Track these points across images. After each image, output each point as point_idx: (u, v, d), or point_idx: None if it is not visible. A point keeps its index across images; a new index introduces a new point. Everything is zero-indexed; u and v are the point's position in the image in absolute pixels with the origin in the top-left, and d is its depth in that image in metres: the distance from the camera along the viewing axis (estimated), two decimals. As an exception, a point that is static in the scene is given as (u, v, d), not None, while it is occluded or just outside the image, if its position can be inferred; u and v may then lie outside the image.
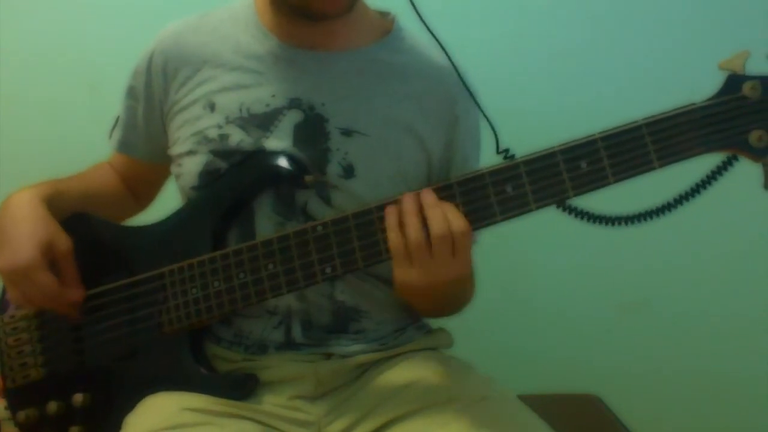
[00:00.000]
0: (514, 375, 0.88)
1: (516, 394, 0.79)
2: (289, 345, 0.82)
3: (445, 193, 0.70)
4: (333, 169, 0.80)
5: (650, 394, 1.41)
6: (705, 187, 0.67)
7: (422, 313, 0.89)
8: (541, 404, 0.79)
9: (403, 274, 0.71)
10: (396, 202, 0.71)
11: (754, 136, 0.63)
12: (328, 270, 0.73)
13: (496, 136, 0.78)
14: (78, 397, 0.82)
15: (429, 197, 0.70)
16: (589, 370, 1.38)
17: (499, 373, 0.82)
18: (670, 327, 1.42)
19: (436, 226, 0.68)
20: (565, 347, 1.40)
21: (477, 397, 0.76)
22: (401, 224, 0.70)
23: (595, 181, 0.66)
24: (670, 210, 0.68)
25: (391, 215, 0.71)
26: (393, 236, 0.70)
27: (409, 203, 0.70)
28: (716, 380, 1.41)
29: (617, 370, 1.40)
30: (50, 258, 0.78)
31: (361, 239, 0.72)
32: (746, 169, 0.67)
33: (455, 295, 0.83)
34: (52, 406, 0.83)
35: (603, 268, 1.36)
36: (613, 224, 0.70)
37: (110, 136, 0.95)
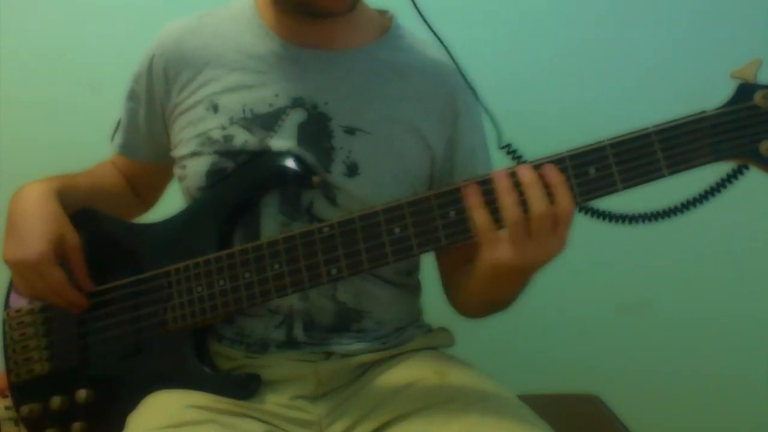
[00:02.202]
0: (514, 375, 0.88)
1: (516, 394, 0.79)
2: (290, 344, 0.82)
3: (452, 197, 0.70)
4: (337, 168, 0.80)
5: (650, 394, 1.41)
6: (714, 195, 0.66)
7: (492, 301, 0.82)
8: (541, 404, 0.79)
9: (494, 252, 0.66)
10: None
11: (764, 146, 0.62)
12: (334, 271, 0.73)
13: (498, 131, 0.78)
14: (81, 393, 0.83)
15: (527, 174, 0.65)
16: (589, 370, 1.38)
17: (499, 373, 0.82)
18: (670, 327, 1.42)
19: (537, 204, 0.64)
20: (565, 347, 1.40)
21: (477, 397, 0.76)
22: (494, 201, 0.66)
23: (603, 187, 0.65)
24: (675, 214, 0.68)
25: (473, 195, 0.66)
26: (479, 214, 0.65)
27: (503, 180, 0.65)
28: (716, 380, 1.42)
29: (617, 370, 1.40)
30: (60, 253, 0.79)
31: (366, 241, 0.71)
32: (748, 170, 0.67)
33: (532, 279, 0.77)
34: (56, 401, 0.84)
35: (603, 268, 1.37)
36: (617, 222, 0.70)
37: (112, 138, 0.95)
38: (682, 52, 1.32)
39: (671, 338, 1.41)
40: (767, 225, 1.34)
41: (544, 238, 0.65)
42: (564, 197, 0.64)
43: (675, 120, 0.64)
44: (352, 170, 0.80)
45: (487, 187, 0.67)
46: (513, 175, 0.66)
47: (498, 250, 0.66)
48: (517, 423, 0.73)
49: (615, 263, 1.35)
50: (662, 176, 0.64)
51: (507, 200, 0.65)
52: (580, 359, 1.39)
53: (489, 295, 0.78)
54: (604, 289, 1.40)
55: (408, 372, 0.82)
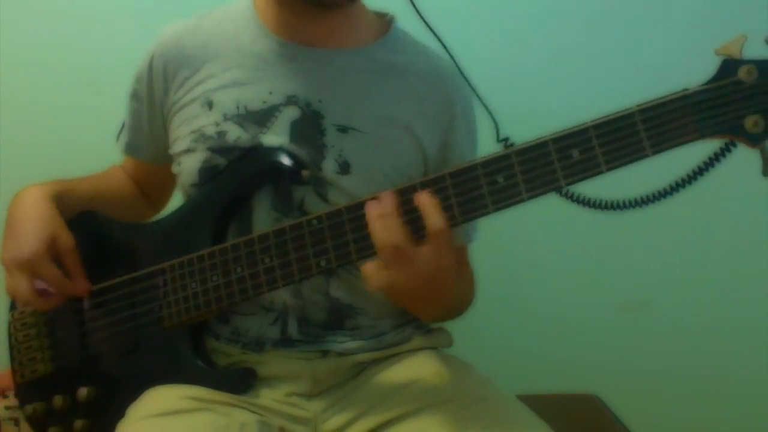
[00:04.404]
0: (514, 375, 0.87)
1: (516, 394, 0.78)
2: (285, 342, 0.82)
3: (437, 185, 0.69)
4: (329, 166, 0.80)
5: (650, 394, 1.40)
6: (702, 174, 0.65)
7: (422, 318, 0.86)
8: (541, 404, 0.78)
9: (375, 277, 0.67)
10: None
11: (749, 122, 0.61)
12: (323, 263, 0.73)
13: (496, 124, 0.78)
14: (83, 392, 0.83)
15: (383, 207, 0.67)
16: (589, 370, 1.37)
17: (499, 373, 0.81)
18: (670, 327, 1.40)
19: (386, 235, 0.65)
20: (565, 347, 1.39)
21: (476, 398, 0.76)
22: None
23: (588, 169, 0.65)
24: (665, 197, 0.67)
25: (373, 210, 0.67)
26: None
27: (370, 209, 0.68)
28: (716, 380, 1.40)
29: (617, 370, 1.38)
30: (54, 253, 0.80)
31: (354, 232, 0.71)
32: (747, 168, 0.66)
33: (444, 296, 0.74)
34: (58, 400, 0.84)
35: (603, 268, 1.36)
36: (609, 210, 0.68)
37: (117, 139, 0.96)
38: (681, 52, 1.32)
39: (671, 338, 1.40)
40: (767, 224, 1.31)
41: (416, 261, 0.65)
42: (431, 219, 0.65)
43: (658, 98, 0.64)
44: (344, 168, 0.80)
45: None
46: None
47: (381, 274, 0.67)
48: (516, 423, 0.72)
49: (615, 263, 1.34)
50: (646, 156, 0.63)
51: (373, 228, 0.66)
52: (580, 359, 1.38)
53: (414, 312, 0.79)
54: (604, 289, 1.38)
55: (406, 371, 0.82)
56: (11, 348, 0.89)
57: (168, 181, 0.98)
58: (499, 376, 0.80)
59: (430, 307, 0.75)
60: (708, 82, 0.63)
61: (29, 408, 0.86)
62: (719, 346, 1.39)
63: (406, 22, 0.88)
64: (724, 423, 1.38)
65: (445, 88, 0.86)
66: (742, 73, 0.61)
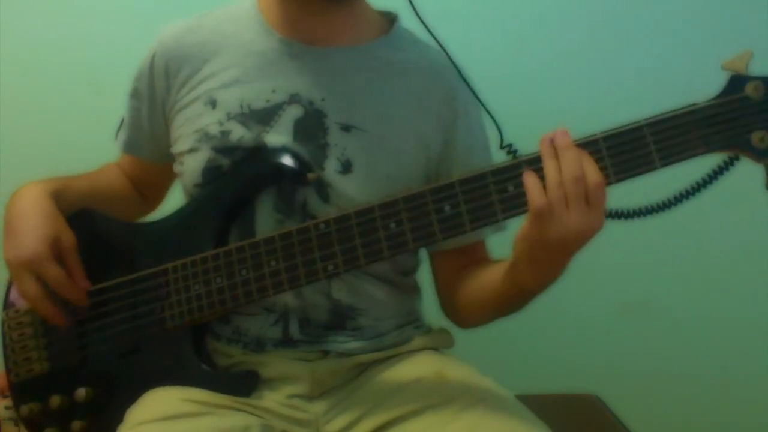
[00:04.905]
0: (514, 375, 0.88)
1: (516, 394, 0.79)
2: (286, 342, 0.82)
3: (447, 192, 0.70)
4: (331, 165, 0.80)
5: (650, 394, 1.41)
6: (705, 187, 0.66)
7: (517, 294, 0.77)
8: (541, 404, 0.79)
9: (536, 225, 0.65)
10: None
11: (756, 137, 0.63)
12: (330, 267, 0.73)
13: (499, 130, 0.78)
14: (81, 392, 0.83)
15: (563, 139, 0.66)
16: (589, 370, 1.37)
17: (499, 373, 0.82)
18: (670, 327, 1.41)
19: (570, 167, 0.64)
20: (565, 347, 1.40)
21: (476, 398, 0.76)
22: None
23: None
24: (667, 208, 0.68)
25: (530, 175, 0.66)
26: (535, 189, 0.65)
27: (546, 146, 0.66)
28: (716, 380, 1.41)
29: (617, 370, 1.39)
30: (56, 253, 0.79)
31: (362, 236, 0.72)
32: (747, 169, 0.67)
33: (563, 268, 0.72)
34: (55, 401, 0.84)
35: (603, 268, 1.36)
36: (614, 218, 0.70)
37: (116, 137, 0.96)
38: (683, 52, 1.33)
39: (671, 338, 1.41)
40: (767, 224, 1.34)
41: (580, 206, 0.64)
42: (591, 167, 0.64)
43: (667, 112, 0.65)
44: (346, 167, 0.80)
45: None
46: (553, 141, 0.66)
47: (541, 221, 0.65)
48: (516, 423, 0.73)
49: (615, 263, 1.34)
50: (655, 168, 0.64)
51: (549, 164, 0.65)
52: (580, 359, 1.39)
53: (516, 285, 0.74)
54: (604, 289, 1.39)
55: (407, 372, 0.82)
56: (5, 347, 0.88)
57: (165, 180, 0.98)
58: (499, 376, 0.81)
59: (553, 272, 0.71)
60: (716, 98, 0.64)
61: (25, 408, 0.86)
62: (719, 346, 1.39)
63: (408, 23, 0.88)
64: (724, 423, 1.40)
65: (447, 86, 0.86)
66: (749, 89, 0.63)
